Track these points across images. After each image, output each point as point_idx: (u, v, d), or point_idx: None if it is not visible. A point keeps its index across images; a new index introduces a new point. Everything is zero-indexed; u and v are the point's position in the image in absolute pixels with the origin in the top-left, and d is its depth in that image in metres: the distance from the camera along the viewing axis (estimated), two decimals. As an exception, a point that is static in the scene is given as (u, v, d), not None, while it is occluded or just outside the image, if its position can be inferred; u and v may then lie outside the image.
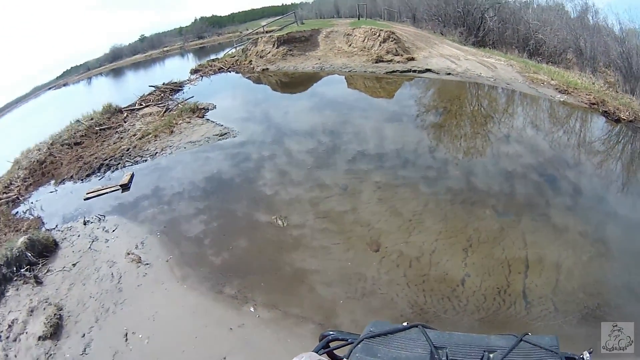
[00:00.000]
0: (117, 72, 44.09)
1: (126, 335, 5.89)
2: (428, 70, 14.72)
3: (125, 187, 10.97)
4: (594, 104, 13.64)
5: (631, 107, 13.84)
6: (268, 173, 8.69)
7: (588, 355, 1.64)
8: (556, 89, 14.30)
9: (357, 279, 6.23)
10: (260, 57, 20.59)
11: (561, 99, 13.52)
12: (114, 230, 8.52)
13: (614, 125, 12.68)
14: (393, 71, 14.68)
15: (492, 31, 23.79)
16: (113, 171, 11.95)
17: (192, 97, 18.46)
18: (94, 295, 6.74)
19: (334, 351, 1.67)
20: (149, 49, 53.39)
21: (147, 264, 7.17)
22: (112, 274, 7.13)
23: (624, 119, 12.98)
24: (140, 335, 5.82)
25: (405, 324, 1.64)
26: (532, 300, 5.98)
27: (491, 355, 1.49)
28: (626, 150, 11.82)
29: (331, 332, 1.70)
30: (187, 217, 8.24)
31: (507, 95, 13.26)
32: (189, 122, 14.11)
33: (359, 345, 1.53)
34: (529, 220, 7.54)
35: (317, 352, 1.55)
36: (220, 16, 57.08)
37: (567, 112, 12.91)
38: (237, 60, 21.91)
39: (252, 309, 5.70)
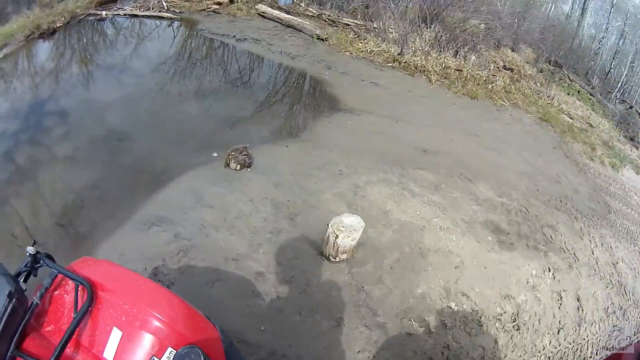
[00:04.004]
0: None
1: None
2: None
3: None
4: (29, 36, 12.60)
5: (66, 10, 12.90)
6: None
7: (31, 248, 1.99)
8: None
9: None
10: None
11: (0, 56, 11.88)
12: None
13: (52, 38, 11.96)
14: None
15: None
16: None
17: None
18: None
19: None
20: None
21: None
22: None
23: (60, 26, 12.32)
24: None
25: None
26: (44, 241, 5.35)
27: None
28: (73, 49, 11.58)
29: None
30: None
31: None
32: None
33: None
34: (18, 183, 6.67)
35: None
36: None
37: (12, 61, 11.38)
38: None
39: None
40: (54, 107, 8.69)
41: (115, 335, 1.72)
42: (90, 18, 12.55)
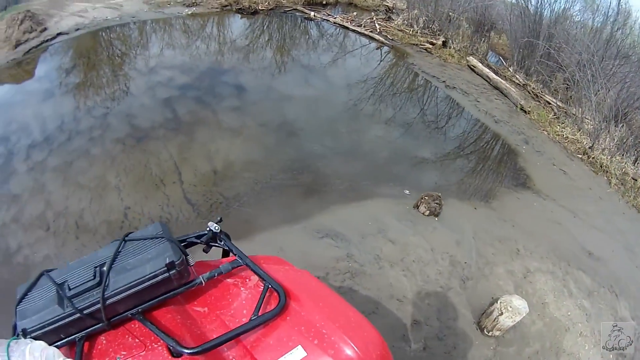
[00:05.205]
0: None
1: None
2: (59, 34, 12.98)
3: None
4: (225, 6, 13.78)
5: None
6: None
7: (215, 225, 2.00)
8: (183, 4, 13.69)
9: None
10: None
11: (189, 12, 12.92)
12: None
13: (252, 18, 13.27)
14: (30, 50, 12.44)
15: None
16: None
17: None
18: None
19: None
20: None
21: None
22: None
23: (263, 9, 13.56)
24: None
25: None
26: (196, 201, 5.98)
27: (104, 268, 1.58)
28: (272, 35, 12.43)
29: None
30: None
31: (138, 28, 12.63)
32: None
33: (17, 315, 1.51)
34: (178, 135, 7.42)
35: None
36: None
37: (200, 21, 13.00)
38: None
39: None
40: (232, 79, 9.38)
41: (297, 354, 1.56)
42: (297, 14, 13.25)
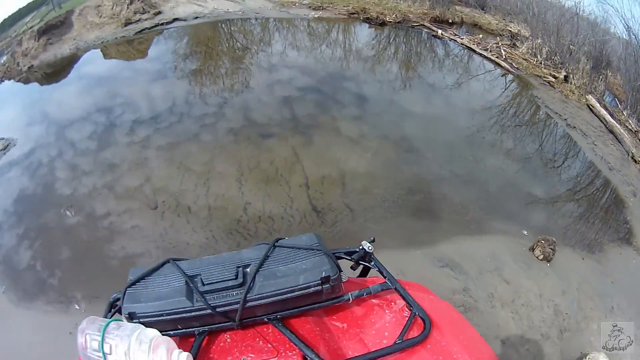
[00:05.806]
0: None
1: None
2: (176, 19, 13.85)
3: None
4: (353, 13, 14.08)
5: (398, 9, 14.59)
6: (61, 172, 7.18)
7: (369, 244, 1.90)
8: (309, 7, 14.24)
9: (172, 245, 5.83)
10: (25, 55, 17.70)
11: (315, 15, 13.50)
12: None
13: (379, 29, 13.57)
14: (142, 30, 13.50)
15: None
16: None
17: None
18: None
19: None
20: None
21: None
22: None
23: (390, 22, 13.85)
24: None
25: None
26: (322, 209, 6.29)
27: (247, 270, 1.55)
28: (398, 49, 12.73)
29: (115, 294, 1.65)
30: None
31: (260, 24, 13.03)
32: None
33: (125, 297, 1.48)
34: (299, 136, 7.89)
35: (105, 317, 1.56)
36: (-8, 29, 45.20)
37: (325, 26, 13.34)
38: (8, 67, 18.52)
39: (77, 307, 5.28)
40: (355, 87, 9.85)
41: None
42: (424, 30, 13.75)
